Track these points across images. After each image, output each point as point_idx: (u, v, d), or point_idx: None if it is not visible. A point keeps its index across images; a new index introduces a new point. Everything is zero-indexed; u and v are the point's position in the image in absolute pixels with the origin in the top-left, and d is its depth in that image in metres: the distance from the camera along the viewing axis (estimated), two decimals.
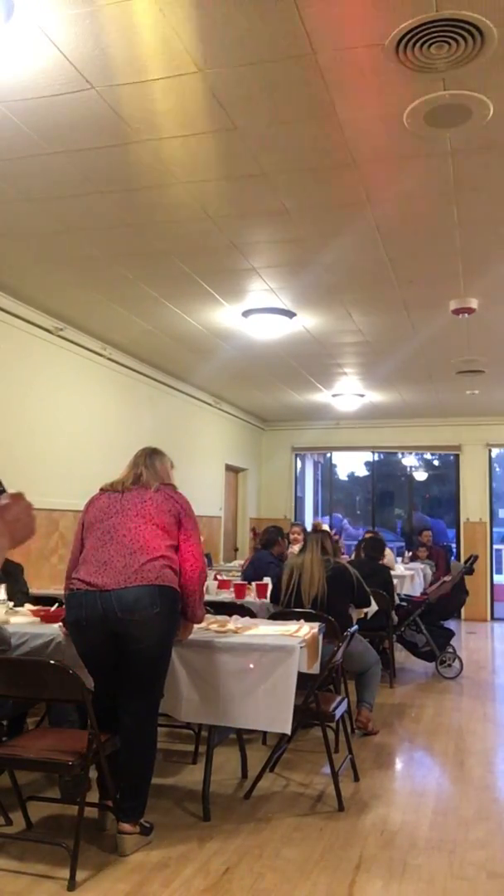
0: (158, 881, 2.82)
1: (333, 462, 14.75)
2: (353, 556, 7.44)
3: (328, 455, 13.74)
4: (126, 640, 3.08)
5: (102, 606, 3.07)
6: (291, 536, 8.63)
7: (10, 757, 2.97)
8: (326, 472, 14.24)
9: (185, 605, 3.31)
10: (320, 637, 3.80)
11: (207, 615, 4.20)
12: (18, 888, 2.76)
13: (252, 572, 6.35)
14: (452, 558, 10.78)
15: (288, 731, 3.37)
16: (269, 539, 6.69)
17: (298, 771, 4.06)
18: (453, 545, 11.99)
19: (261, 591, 5.36)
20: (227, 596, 5.47)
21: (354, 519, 13.90)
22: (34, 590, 5.31)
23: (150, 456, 3.55)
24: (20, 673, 3.01)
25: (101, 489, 3.50)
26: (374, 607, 5.23)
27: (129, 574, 3.10)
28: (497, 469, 14.32)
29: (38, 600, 4.67)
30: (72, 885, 2.75)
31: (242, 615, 4.31)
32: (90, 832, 3.21)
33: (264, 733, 4.40)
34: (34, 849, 3.07)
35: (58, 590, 4.65)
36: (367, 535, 7.88)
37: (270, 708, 3.33)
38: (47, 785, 3.79)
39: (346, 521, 13.08)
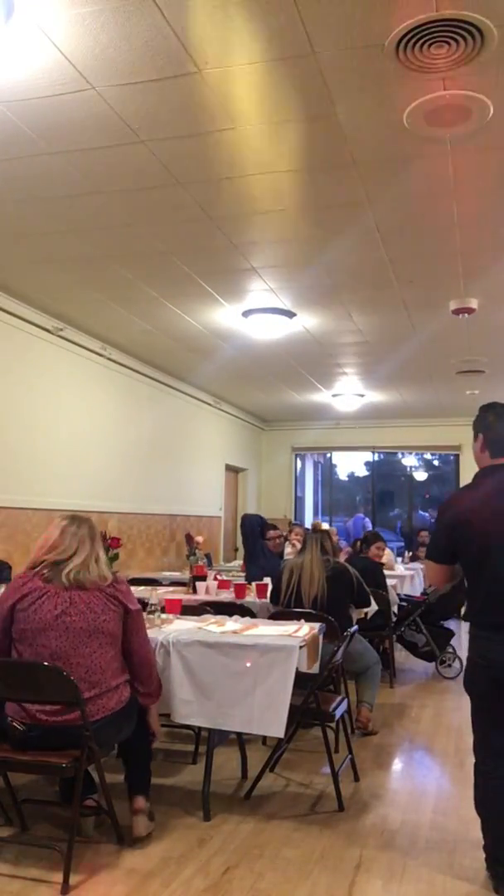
0: (158, 881, 2.81)
1: (333, 462, 14.75)
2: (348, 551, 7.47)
3: (328, 455, 13.73)
4: None
5: None
6: (291, 537, 8.65)
7: (4, 759, 2.96)
8: (326, 472, 14.24)
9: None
10: (320, 637, 3.80)
11: (207, 615, 4.20)
12: (12, 891, 2.75)
13: (254, 571, 6.40)
14: None
15: (282, 734, 3.36)
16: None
17: (298, 771, 4.06)
18: None
19: (261, 591, 5.35)
20: (227, 596, 5.47)
21: None
22: None
23: None
24: (15, 675, 3.01)
25: None
26: (374, 607, 5.23)
27: None
28: None
29: None
30: (65, 888, 2.73)
31: (242, 615, 4.31)
32: (96, 834, 3.20)
33: None
34: (30, 852, 3.06)
35: None
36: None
37: (266, 711, 3.32)
38: (48, 786, 3.79)
39: (367, 520, 13.04)
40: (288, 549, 7.76)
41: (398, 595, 7.04)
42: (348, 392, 9.58)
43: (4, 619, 3.05)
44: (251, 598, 5.35)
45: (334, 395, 9.75)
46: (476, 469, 2.94)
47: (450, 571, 2.89)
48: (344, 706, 3.93)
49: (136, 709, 3.17)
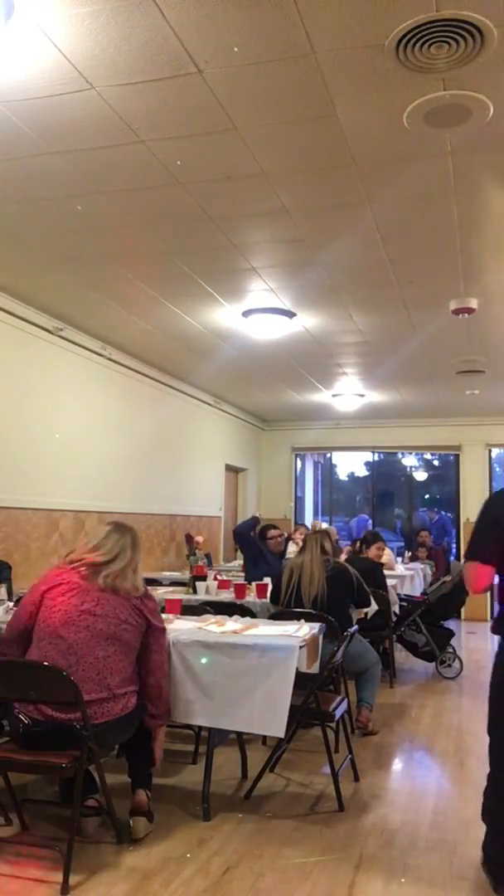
0: (158, 881, 2.82)
1: (333, 462, 14.74)
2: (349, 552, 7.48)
3: (328, 455, 13.73)
4: None
5: None
6: (295, 536, 8.66)
7: (5, 759, 2.96)
8: (326, 472, 14.23)
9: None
10: (320, 637, 3.80)
11: (207, 615, 4.20)
12: (12, 891, 2.75)
13: (254, 573, 6.40)
14: (452, 558, 10.78)
15: (282, 734, 3.36)
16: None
17: (298, 771, 4.06)
18: (453, 544, 11.99)
19: (261, 591, 5.36)
20: (227, 596, 5.47)
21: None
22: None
23: None
24: (14, 674, 3.01)
25: None
26: (374, 607, 5.23)
27: None
28: (497, 469, 14.31)
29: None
30: (65, 888, 2.73)
31: (242, 615, 4.31)
32: (96, 834, 3.20)
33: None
34: (30, 852, 3.06)
35: None
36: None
37: (266, 710, 3.32)
38: (48, 786, 3.79)
39: (370, 521, 13.04)
40: (291, 548, 7.76)
41: (398, 595, 7.04)
42: (348, 392, 9.57)
43: (35, 603, 3.15)
44: (251, 598, 5.35)
45: (334, 395, 9.74)
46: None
47: (493, 574, 2.81)
48: (344, 706, 3.93)
49: (139, 715, 3.21)
